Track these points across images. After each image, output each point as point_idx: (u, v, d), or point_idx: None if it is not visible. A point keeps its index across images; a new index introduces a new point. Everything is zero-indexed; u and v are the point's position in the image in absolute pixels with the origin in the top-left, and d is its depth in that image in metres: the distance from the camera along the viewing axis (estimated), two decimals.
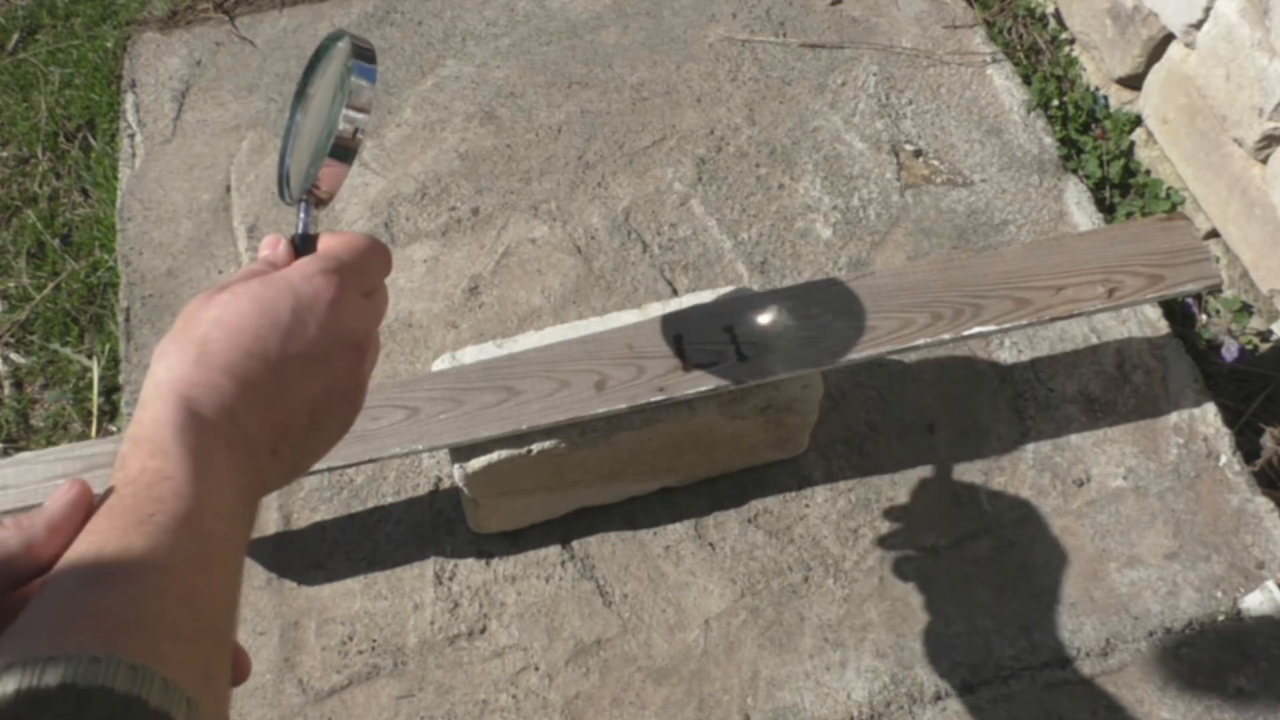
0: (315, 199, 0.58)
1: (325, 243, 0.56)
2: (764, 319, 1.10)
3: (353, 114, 0.56)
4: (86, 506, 0.43)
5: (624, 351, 1.09)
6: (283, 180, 0.63)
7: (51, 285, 1.55)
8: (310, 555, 1.23)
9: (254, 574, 1.21)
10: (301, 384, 0.50)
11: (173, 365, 0.47)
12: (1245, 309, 1.46)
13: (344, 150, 0.57)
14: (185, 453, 0.44)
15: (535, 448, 1.08)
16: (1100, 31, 1.65)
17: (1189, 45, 1.46)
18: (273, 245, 0.56)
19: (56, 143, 1.73)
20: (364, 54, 0.57)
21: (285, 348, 0.49)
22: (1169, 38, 1.51)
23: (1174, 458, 1.28)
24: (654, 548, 1.23)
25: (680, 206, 1.51)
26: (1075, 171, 1.58)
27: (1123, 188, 1.61)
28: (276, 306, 0.49)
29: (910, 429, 1.31)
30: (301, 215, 0.59)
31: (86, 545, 0.40)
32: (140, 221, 1.54)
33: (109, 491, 0.43)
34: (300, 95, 0.64)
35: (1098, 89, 1.70)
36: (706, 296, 1.15)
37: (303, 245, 0.57)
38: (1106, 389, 1.33)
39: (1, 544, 0.41)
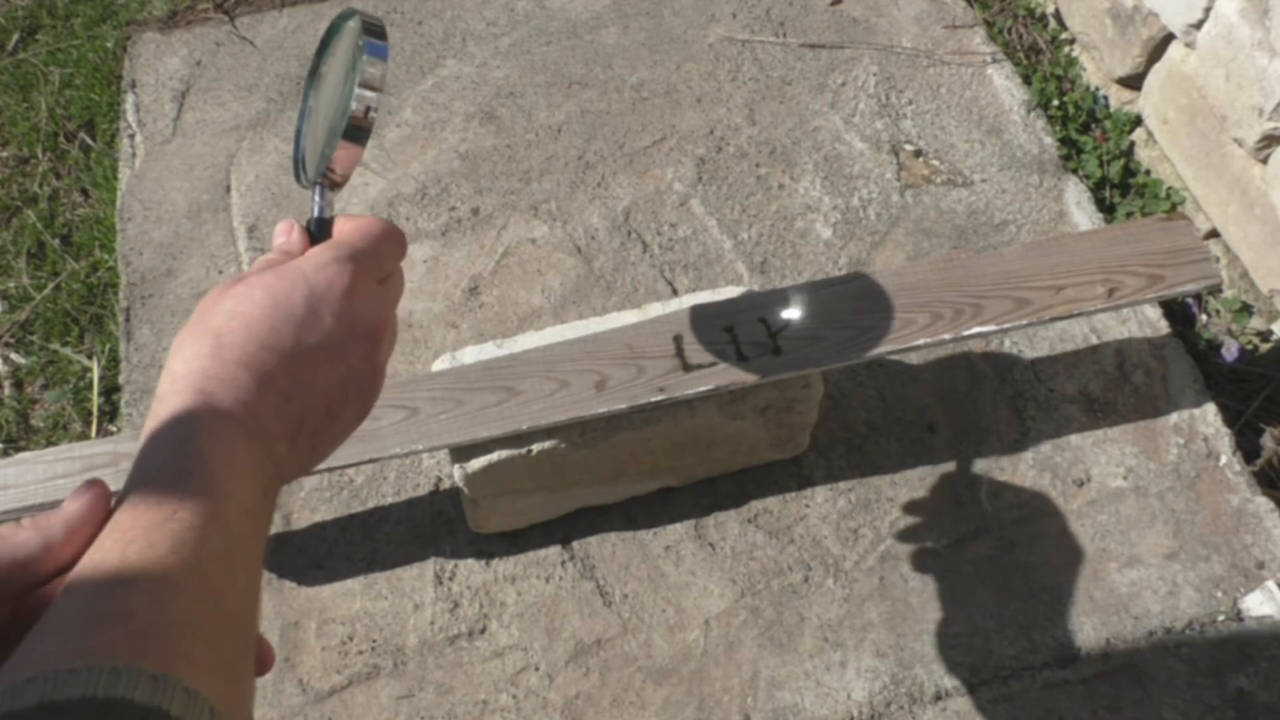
0: (330, 181, 0.58)
1: (339, 228, 0.56)
2: (764, 319, 1.10)
3: (364, 93, 0.55)
4: (105, 506, 0.43)
5: (624, 351, 1.09)
6: (298, 164, 0.62)
7: (51, 285, 1.55)
8: (310, 555, 1.23)
9: None
10: (317, 375, 0.50)
11: (189, 358, 0.47)
12: (1245, 309, 1.46)
13: (357, 130, 0.56)
14: (205, 448, 0.43)
15: (535, 448, 1.08)
16: (1100, 31, 1.65)
17: (1189, 45, 1.46)
18: (287, 231, 0.56)
19: (56, 143, 1.73)
20: (375, 31, 0.56)
21: (300, 339, 0.49)
22: (1169, 38, 1.51)
23: (1174, 458, 1.28)
24: (654, 548, 1.23)
25: (680, 206, 1.51)
26: (1075, 171, 1.58)
27: (1123, 188, 1.61)
28: (290, 298, 0.49)
29: (910, 429, 1.31)
30: (316, 199, 0.58)
31: (111, 545, 0.40)
32: (140, 221, 1.54)
33: (129, 488, 0.43)
34: (313, 76, 0.63)
35: (1098, 89, 1.70)
36: (706, 296, 1.15)
37: (318, 230, 0.57)
38: (1106, 389, 1.33)
39: (20, 545, 0.41)
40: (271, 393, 0.47)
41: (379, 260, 0.54)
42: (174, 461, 0.43)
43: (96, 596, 0.37)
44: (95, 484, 0.43)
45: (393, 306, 0.56)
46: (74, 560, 0.41)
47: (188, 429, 0.44)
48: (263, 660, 0.45)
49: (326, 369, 0.50)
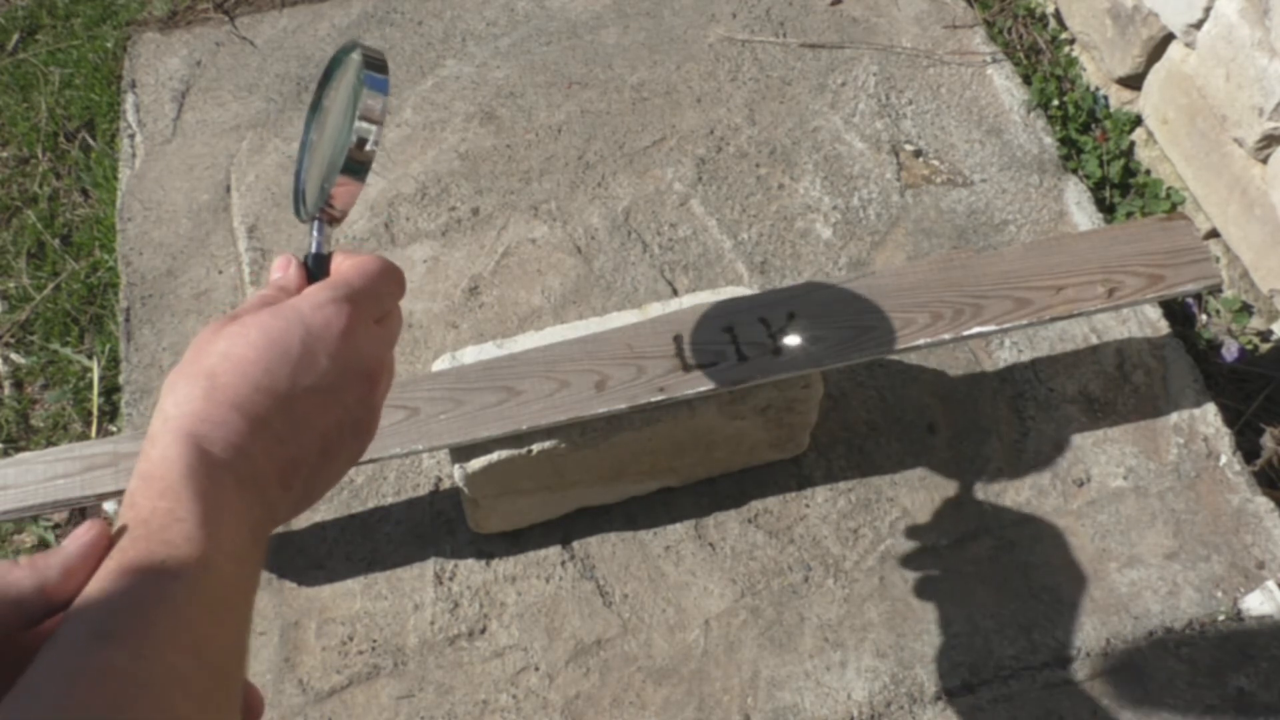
0: (329, 216, 0.57)
1: (337, 266, 0.55)
2: (764, 319, 1.10)
3: (364, 126, 0.55)
4: (104, 548, 0.42)
5: (624, 351, 1.09)
6: (298, 197, 0.61)
7: (51, 285, 1.55)
8: (310, 555, 1.23)
9: None
10: (312, 417, 0.49)
11: (181, 400, 0.46)
12: (1245, 309, 1.46)
13: (356, 165, 0.55)
14: (195, 494, 0.43)
15: (535, 448, 1.08)
16: (1100, 31, 1.65)
17: (1189, 45, 1.46)
18: (284, 267, 0.55)
19: (56, 143, 1.73)
20: (376, 65, 0.56)
21: (295, 381, 0.48)
22: (1169, 38, 1.51)
23: (1174, 458, 1.28)
24: (654, 548, 1.23)
25: (680, 206, 1.51)
26: (1075, 171, 1.58)
27: (1123, 188, 1.61)
28: (286, 338, 0.48)
29: (910, 429, 1.31)
30: (315, 234, 0.57)
31: (98, 593, 0.40)
32: (140, 221, 1.54)
33: (122, 530, 0.42)
34: (314, 109, 0.62)
35: (1098, 89, 1.70)
36: (706, 296, 1.15)
37: (315, 266, 0.56)
38: (1106, 389, 1.33)
39: (14, 584, 0.41)
40: (265, 435, 0.47)
41: (377, 300, 0.54)
42: (163, 504, 0.42)
43: (78, 650, 0.37)
44: (96, 525, 0.43)
45: (390, 347, 0.55)
46: (69, 600, 0.41)
47: (177, 473, 0.43)
48: (251, 709, 0.45)
49: (322, 411, 0.49)
